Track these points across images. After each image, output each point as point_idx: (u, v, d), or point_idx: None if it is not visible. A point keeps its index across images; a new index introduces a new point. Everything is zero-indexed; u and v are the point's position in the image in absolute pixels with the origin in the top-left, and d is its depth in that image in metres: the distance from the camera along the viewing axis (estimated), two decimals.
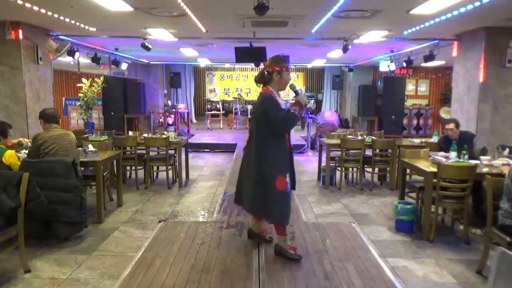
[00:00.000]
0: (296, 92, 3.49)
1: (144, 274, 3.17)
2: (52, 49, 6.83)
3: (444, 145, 5.05)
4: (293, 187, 3.52)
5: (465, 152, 4.52)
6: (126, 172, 7.12)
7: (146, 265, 3.33)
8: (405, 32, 6.91)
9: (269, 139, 3.32)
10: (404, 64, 9.49)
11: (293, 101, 3.40)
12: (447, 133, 5.03)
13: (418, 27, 6.45)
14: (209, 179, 7.31)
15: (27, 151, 4.38)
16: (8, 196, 3.29)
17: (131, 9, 5.23)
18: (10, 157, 3.98)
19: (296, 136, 12.30)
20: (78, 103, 10.43)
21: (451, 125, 4.98)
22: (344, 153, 6.50)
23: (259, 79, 3.42)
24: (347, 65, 13.19)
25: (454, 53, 7.16)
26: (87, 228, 4.53)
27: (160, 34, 7.12)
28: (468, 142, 4.91)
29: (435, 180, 4.25)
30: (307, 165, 8.74)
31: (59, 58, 7.95)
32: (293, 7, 5.30)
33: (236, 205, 5.07)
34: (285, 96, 18.13)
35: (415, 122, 14.01)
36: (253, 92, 18.51)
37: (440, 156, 4.78)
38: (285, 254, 3.44)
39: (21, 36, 6.14)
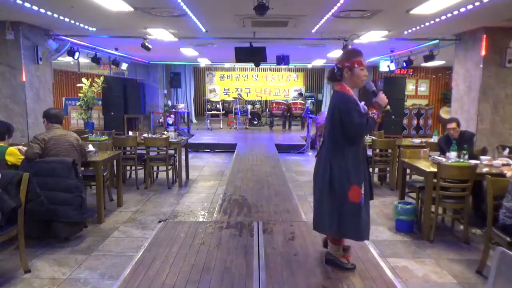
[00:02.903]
0: (374, 92, 3.02)
1: (144, 274, 3.16)
2: (52, 49, 6.83)
3: (445, 145, 5.05)
4: (370, 197, 3.19)
5: (465, 152, 4.53)
6: (126, 172, 7.12)
7: (146, 265, 3.32)
8: (405, 32, 6.92)
9: (344, 144, 2.94)
10: (404, 64, 9.50)
11: (372, 103, 2.99)
12: (448, 133, 5.03)
13: (418, 27, 6.45)
14: (209, 179, 7.31)
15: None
16: (8, 196, 3.30)
17: (131, 9, 5.24)
18: (13, 154, 4.04)
19: (296, 136, 12.31)
20: (78, 103, 10.44)
21: (453, 125, 4.98)
22: None
23: (330, 77, 3.07)
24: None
25: (454, 52, 7.17)
26: (87, 228, 4.54)
27: (160, 34, 7.12)
28: (468, 141, 4.92)
29: (435, 180, 4.25)
30: (307, 165, 8.73)
31: (59, 58, 7.96)
32: (293, 7, 5.30)
33: (236, 205, 5.12)
34: (285, 96, 18.15)
35: (415, 122, 14.01)
36: (253, 92, 18.53)
37: (440, 157, 4.78)
38: (338, 263, 3.22)
39: (21, 36, 6.14)
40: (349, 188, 2.93)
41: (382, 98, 2.94)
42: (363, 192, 2.96)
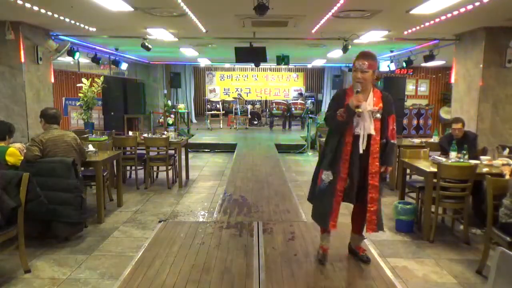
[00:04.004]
0: (356, 93, 3.04)
1: (144, 274, 3.17)
2: (52, 49, 6.83)
3: (447, 145, 5.04)
4: (357, 201, 3.22)
5: (465, 152, 4.53)
6: (126, 172, 7.12)
7: (146, 265, 3.33)
8: (405, 32, 6.92)
9: (328, 134, 3.31)
10: (404, 64, 9.50)
11: None
12: (453, 133, 5.02)
13: (418, 27, 6.45)
14: (209, 179, 7.31)
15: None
16: (8, 196, 3.30)
17: (131, 9, 5.23)
18: (14, 154, 4.03)
19: (296, 136, 12.31)
20: (78, 103, 10.43)
21: (460, 125, 4.99)
22: None
23: None
24: (347, 65, 13.20)
25: (454, 53, 7.16)
26: (87, 228, 4.54)
27: (160, 34, 7.12)
28: (471, 142, 4.93)
29: (435, 180, 4.25)
30: (307, 165, 8.73)
31: (59, 58, 7.96)
32: (293, 7, 5.30)
33: (236, 205, 5.12)
34: (285, 96, 18.16)
35: (415, 122, 14.00)
36: (253, 92, 18.53)
37: (440, 157, 4.78)
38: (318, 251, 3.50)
39: (21, 36, 6.14)
40: (318, 171, 3.29)
41: (352, 99, 2.94)
42: (323, 177, 3.19)
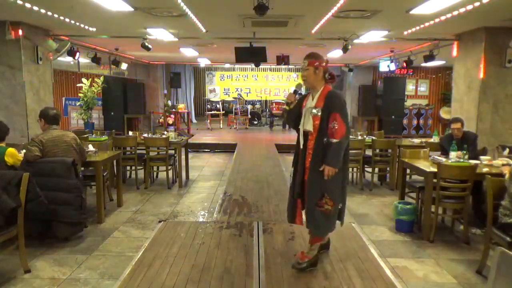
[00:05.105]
0: (293, 92, 3.52)
1: (144, 274, 3.17)
2: (52, 49, 6.82)
3: (448, 145, 5.04)
4: (299, 195, 3.29)
5: (465, 152, 4.53)
6: (126, 172, 7.12)
7: (146, 265, 3.33)
8: (405, 32, 6.91)
9: None
10: (404, 64, 9.49)
11: None
12: (452, 133, 5.02)
13: (418, 27, 6.44)
14: (209, 179, 7.31)
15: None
16: (8, 196, 3.30)
17: (131, 9, 5.23)
18: (13, 155, 4.03)
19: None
20: (78, 103, 10.45)
21: (458, 125, 4.99)
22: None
23: None
24: (347, 65, 13.19)
25: (454, 53, 7.17)
26: (87, 228, 4.54)
27: (160, 34, 7.12)
28: (471, 142, 4.92)
29: (435, 180, 4.26)
30: None
31: (59, 58, 7.96)
32: (293, 7, 5.30)
33: (236, 205, 5.12)
34: (284, 96, 18.17)
35: (415, 122, 14.00)
36: (253, 92, 18.53)
37: (440, 157, 4.78)
38: None
39: (21, 36, 6.13)
40: None
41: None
42: (290, 175, 3.46)
